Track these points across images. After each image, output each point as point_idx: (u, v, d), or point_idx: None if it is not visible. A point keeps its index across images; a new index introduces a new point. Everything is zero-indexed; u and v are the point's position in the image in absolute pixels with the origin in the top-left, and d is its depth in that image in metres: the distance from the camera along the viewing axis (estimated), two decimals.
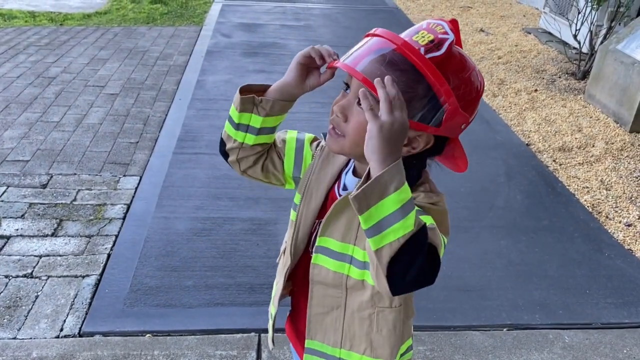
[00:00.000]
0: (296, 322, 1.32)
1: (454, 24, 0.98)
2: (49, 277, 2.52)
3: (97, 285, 2.49)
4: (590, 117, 4.65)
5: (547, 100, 5.00)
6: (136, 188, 3.26)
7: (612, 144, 4.17)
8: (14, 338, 2.19)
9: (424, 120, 0.95)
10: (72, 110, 4.24)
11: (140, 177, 3.37)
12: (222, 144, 1.17)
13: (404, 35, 0.97)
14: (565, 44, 6.11)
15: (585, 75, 5.49)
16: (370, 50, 0.96)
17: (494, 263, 2.81)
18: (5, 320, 2.28)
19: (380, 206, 0.84)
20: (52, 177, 3.32)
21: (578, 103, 4.94)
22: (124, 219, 2.97)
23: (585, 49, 5.63)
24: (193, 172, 3.45)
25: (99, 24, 6.79)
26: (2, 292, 2.42)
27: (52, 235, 2.80)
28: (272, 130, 1.14)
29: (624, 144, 4.17)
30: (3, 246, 2.69)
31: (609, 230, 3.14)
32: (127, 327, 2.28)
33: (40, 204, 3.05)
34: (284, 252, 1.25)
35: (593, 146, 4.14)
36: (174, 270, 2.61)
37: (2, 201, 3.04)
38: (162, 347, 2.19)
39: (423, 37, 0.95)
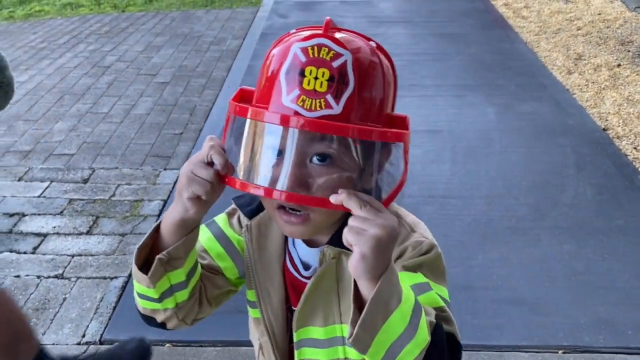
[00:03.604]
0: None
1: (327, 26, 0.75)
2: (78, 278, 2.49)
3: (124, 288, 2.44)
4: None
5: (632, 76, 4.43)
6: (175, 183, 3.19)
7: None
8: None
9: (392, 181, 0.75)
10: (121, 101, 4.24)
11: None
12: (149, 319, 0.93)
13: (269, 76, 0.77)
14: None
15: None
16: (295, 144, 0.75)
17: (554, 272, 2.48)
18: (32, 323, 2.27)
19: (385, 333, 0.66)
20: (94, 171, 3.31)
21: None
22: (159, 215, 2.90)
23: None
24: None
25: (159, 9, 6.82)
26: (32, 293, 2.42)
27: (87, 233, 2.78)
28: (197, 262, 0.91)
29: None
30: (39, 245, 2.70)
31: None
32: (147, 335, 2.20)
33: (80, 199, 3.04)
34: (264, 354, 1.04)
35: None
36: None
37: (44, 197, 3.07)
38: None
39: (316, 77, 0.72)
